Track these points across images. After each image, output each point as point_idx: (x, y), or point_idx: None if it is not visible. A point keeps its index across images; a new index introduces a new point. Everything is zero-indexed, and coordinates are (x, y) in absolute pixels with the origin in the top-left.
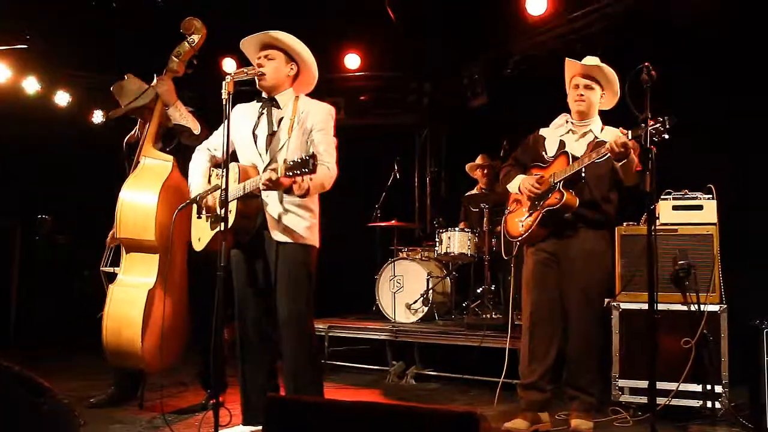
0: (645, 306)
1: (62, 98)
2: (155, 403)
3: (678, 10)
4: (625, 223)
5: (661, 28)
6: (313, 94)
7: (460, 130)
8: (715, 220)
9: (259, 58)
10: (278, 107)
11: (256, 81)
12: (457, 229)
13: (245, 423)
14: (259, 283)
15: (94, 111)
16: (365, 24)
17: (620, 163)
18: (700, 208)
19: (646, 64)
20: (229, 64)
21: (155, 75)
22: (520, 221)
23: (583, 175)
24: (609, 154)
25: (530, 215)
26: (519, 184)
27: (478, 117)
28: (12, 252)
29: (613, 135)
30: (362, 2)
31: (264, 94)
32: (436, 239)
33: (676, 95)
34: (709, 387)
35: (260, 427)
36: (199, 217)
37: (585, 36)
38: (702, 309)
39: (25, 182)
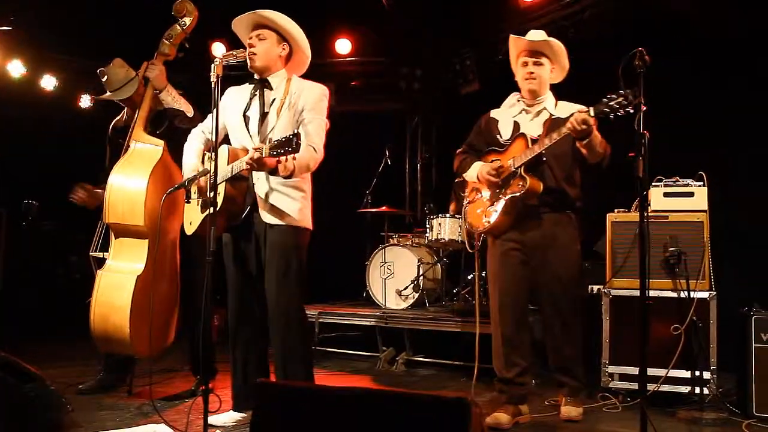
0: (635, 293)
1: (49, 82)
2: (144, 390)
3: None
4: (615, 210)
5: (654, 14)
6: (303, 79)
7: (452, 117)
8: (705, 207)
9: (251, 38)
10: (270, 88)
11: (248, 62)
12: (447, 215)
13: (235, 409)
14: (249, 267)
15: (82, 95)
16: (356, 9)
17: (583, 142)
18: (691, 195)
19: (640, 49)
20: (218, 48)
21: (144, 61)
22: (483, 211)
23: (544, 157)
24: (570, 133)
25: (492, 204)
26: (476, 172)
27: (469, 104)
28: None
29: (568, 110)
30: None
31: (256, 76)
32: (427, 226)
33: (666, 82)
34: (697, 373)
35: (250, 413)
36: (188, 202)
37: (577, 22)
38: (692, 296)
39: (10, 167)
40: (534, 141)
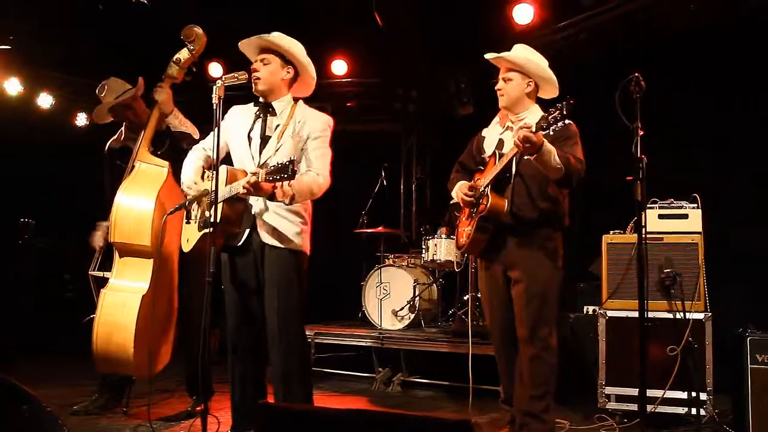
0: (631, 314)
1: (45, 100)
2: (140, 410)
3: (666, 20)
4: (611, 232)
5: (648, 37)
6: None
7: (447, 138)
8: (700, 228)
9: (256, 62)
10: (274, 114)
11: (253, 85)
12: (443, 236)
13: (234, 429)
14: (248, 287)
15: (78, 114)
16: (352, 30)
17: (533, 158)
18: (685, 216)
19: (636, 74)
20: (215, 69)
21: (144, 81)
22: (463, 230)
23: (509, 174)
24: (518, 150)
25: (469, 224)
26: (456, 191)
27: (464, 125)
28: None
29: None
30: (350, 8)
31: (261, 99)
32: (423, 246)
33: (661, 105)
34: (694, 394)
35: None
36: (188, 223)
37: (572, 45)
38: (687, 317)
39: (6, 185)
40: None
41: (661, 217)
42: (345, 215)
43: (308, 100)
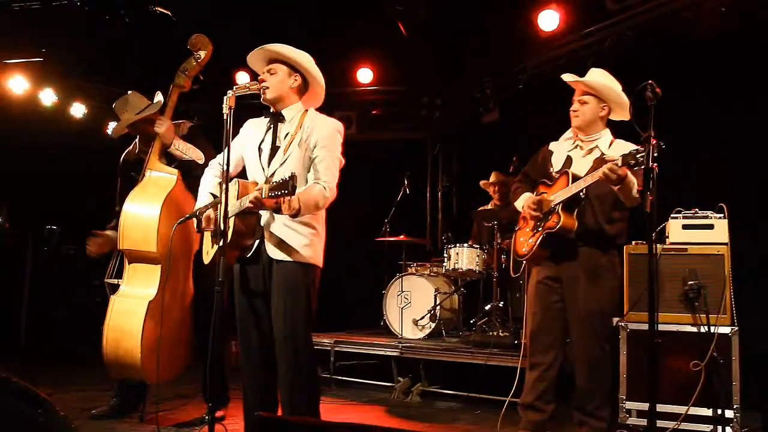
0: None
1: (78, 110)
2: (157, 416)
3: (691, 27)
4: (633, 242)
5: (674, 45)
6: (324, 108)
7: (472, 146)
8: (726, 239)
9: (263, 73)
10: (284, 122)
11: (261, 95)
12: (465, 245)
13: None
14: (258, 298)
15: (109, 123)
16: (378, 39)
17: (616, 187)
18: (711, 227)
19: (650, 81)
20: (242, 78)
21: (158, 92)
22: (525, 240)
23: (582, 195)
24: (602, 179)
25: (533, 236)
26: (522, 203)
27: (490, 133)
28: (24, 262)
29: (621, 150)
30: (375, 17)
31: (272, 110)
32: (445, 255)
33: (689, 113)
34: (719, 412)
35: None
36: (198, 232)
37: (597, 52)
38: (712, 330)
39: (39, 193)
40: (576, 178)
41: (685, 227)
42: (370, 223)
43: (334, 109)
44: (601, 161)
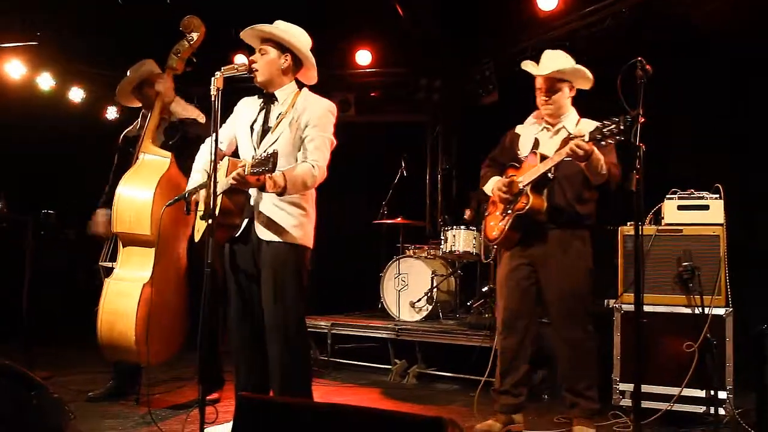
0: (647, 308)
1: (76, 94)
2: (152, 398)
3: (692, 6)
4: (628, 223)
5: (674, 24)
6: (323, 90)
7: (472, 128)
8: (722, 220)
9: (257, 51)
10: (277, 103)
11: (253, 78)
12: (462, 227)
13: None
14: (248, 278)
15: (108, 107)
16: (376, 20)
17: (583, 164)
18: (706, 208)
19: (639, 59)
20: (240, 60)
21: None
22: (495, 224)
23: (551, 176)
24: (569, 157)
25: (503, 219)
26: (491, 186)
27: (489, 114)
28: (24, 246)
29: (587, 128)
30: None
31: (264, 90)
32: (442, 237)
33: (688, 92)
34: (712, 393)
35: None
36: (187, 213)
37: (597, 32)
38: (706, 312)
39: (38, 178)
40: (544, 159)
41: (680, 208)
42: (367, 206)
43: (332, 91)
44: (568, 140)
